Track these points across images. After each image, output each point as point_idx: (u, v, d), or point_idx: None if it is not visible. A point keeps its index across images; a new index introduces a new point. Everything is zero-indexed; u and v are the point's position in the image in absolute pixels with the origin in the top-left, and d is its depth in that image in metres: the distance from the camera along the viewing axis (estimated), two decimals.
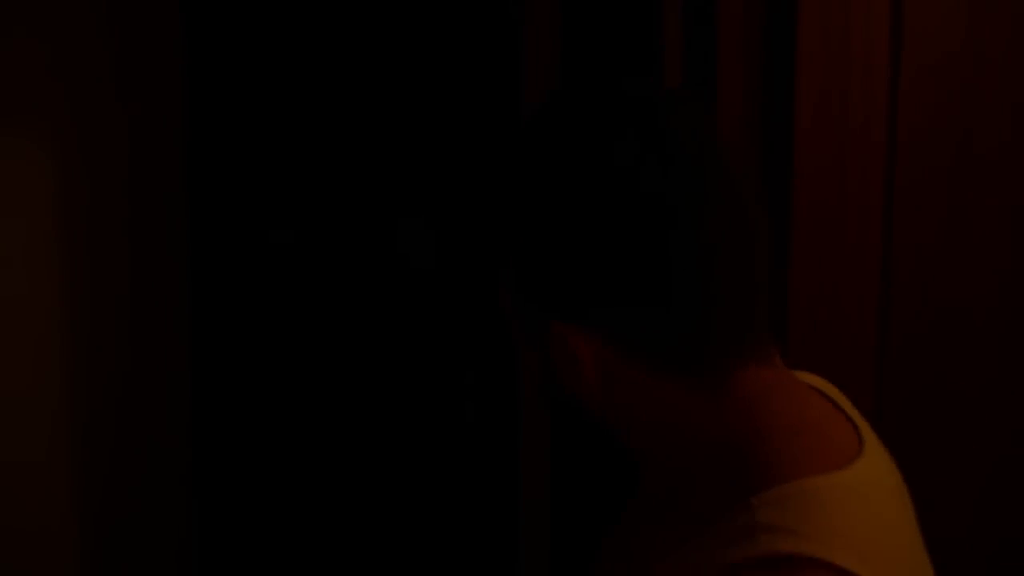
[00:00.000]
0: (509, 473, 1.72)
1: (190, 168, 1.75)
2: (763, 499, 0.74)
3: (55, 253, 1.59)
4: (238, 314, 1.77)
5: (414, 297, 1.73)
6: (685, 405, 0.79)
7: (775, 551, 0.71)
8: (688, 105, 0.80)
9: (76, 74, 1.60)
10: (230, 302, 1.77)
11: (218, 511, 1.82)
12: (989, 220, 1.33)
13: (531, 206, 0.78)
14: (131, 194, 1.70)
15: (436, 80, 1.67)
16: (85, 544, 1.67)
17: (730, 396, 0.79)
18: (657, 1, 1.30)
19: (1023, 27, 1.31)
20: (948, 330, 1.34)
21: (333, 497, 1.80)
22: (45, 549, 1.63)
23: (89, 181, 1.64)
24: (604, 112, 0.78)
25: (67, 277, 1.61)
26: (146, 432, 1.76)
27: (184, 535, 1.82)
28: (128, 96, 1.67)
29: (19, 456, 1.57)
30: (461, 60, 1.66)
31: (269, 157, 1.73)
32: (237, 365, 1.78)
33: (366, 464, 1.79)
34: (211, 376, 1.80)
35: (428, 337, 1.74)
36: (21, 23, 1.53)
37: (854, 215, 1.27)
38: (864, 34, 1.25)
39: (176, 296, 1.77)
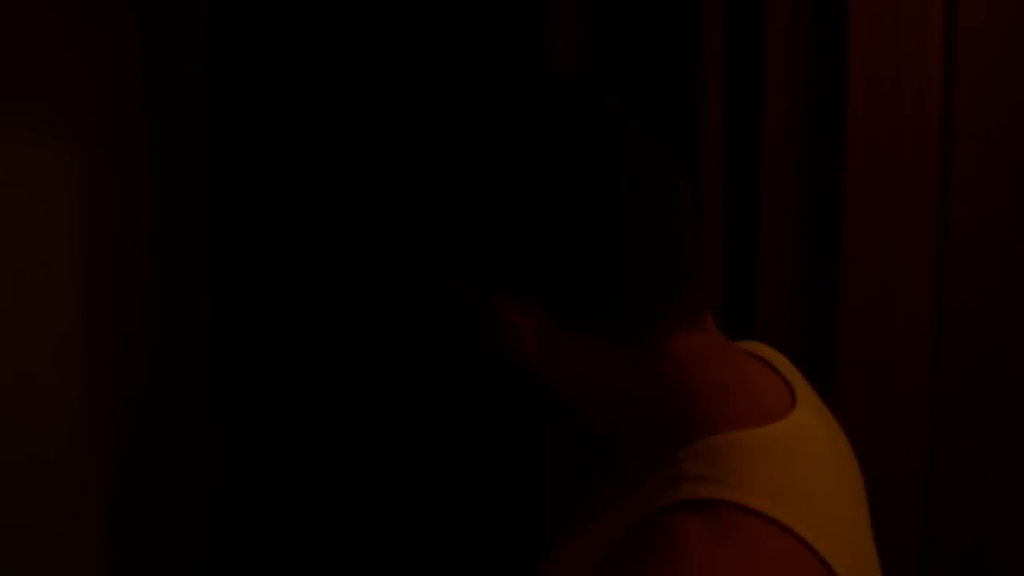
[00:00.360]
0: (535, 476, 1.70)
1: (211, 169, 1.75)
2: (689, 452, 0.79)
3: (79, 254, 1.58)
4: (258, 314, 1.77)
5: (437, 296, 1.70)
6: (619, 371, 0.84)
7: (696, 496, 0.75)
8: (612, 95, 0.85)
9: (104, 79, 1.60)
10: (251, 302, 1.77)
11: (239, 510, 1.81)
12: None
13: (468, 184, 0.83)
14: (155, 196, 1.69)
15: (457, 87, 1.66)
16: (106, 540, 1.65)
17: (661, 360, 0.83)
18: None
19: None
20: (1005, 328, 1.29)
21: (352, 498, 1.78)
22: (68, 542, 1.60)
23: (114, 182, 1.63)
24: (536, 98, 0.83)
25: (89, 277, 1.60)
26: (167, 431, 1.74)
27: (204, 535, 1.80)
28: (153, 101, 1.67)
29: (41, 454, 1.55)
30: (485, 67, 1.65)
31: (289, 159, 1.73)
32: (257, 363, 1.78)
33: (389, 463, 1.77)
34: (232, 375, 1.79)
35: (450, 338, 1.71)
36: (55, 30, 1.52)
37: (908, 213, 1.22)
38: (915, 25, 1.21)
39: (198, 296, 1.77)
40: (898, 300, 1.23)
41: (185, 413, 1.77)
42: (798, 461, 0.80)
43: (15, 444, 1.51)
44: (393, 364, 1.73)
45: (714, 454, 0.78)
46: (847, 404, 1.20)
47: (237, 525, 1.81)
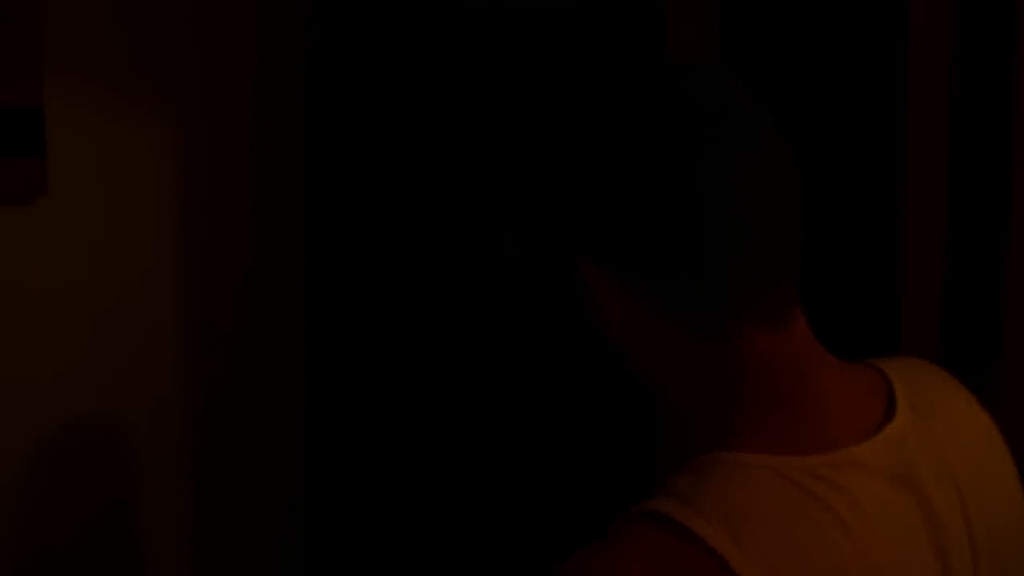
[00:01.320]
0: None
1: (309, 171, 1.74)
2: (693, 463, 0.78)
3: (176, 249, 1.56)
4: (353, 311, 1.74)
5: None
6: (691, 360, 0.81)
7: (654, 509, 0.74)
8: (726, 72, 0.82)
9: (213, 73, 1.59)
10: (347, 295, 1.74)
11: (329, 510, 1.78)
12: None
13: (567, 150, 0.82)
14: (254, 195, 1.68)
15: None
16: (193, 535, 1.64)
17: (728, 356, 0.80)
18: None
19: None
20: None
21: (454, 496, 1.73)
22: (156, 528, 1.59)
23: (213, 176, 1.61)
24: (641, 71, 0.82)
25: (185, 273, 1.58)
26: (257, 431, 1.72)
27: (292, 537, 1.78)
28: (256, 96, 1.66)
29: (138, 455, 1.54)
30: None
31: (387, 152, 1.69)
32: (352, 361, 1.75)
33: (494, 459, 1.72)
34: (327, 374, 1.76)
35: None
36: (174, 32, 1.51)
37: None
38: None
39: (295, 291, 1.75)
40: None
41: (276, 410, 1.75)
42: (783, 502, 0.75)
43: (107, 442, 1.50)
44: (486, 352, 1.68)
45: (701, 471, 0.77)
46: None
47: (332, 525, 1.78)
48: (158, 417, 1.54)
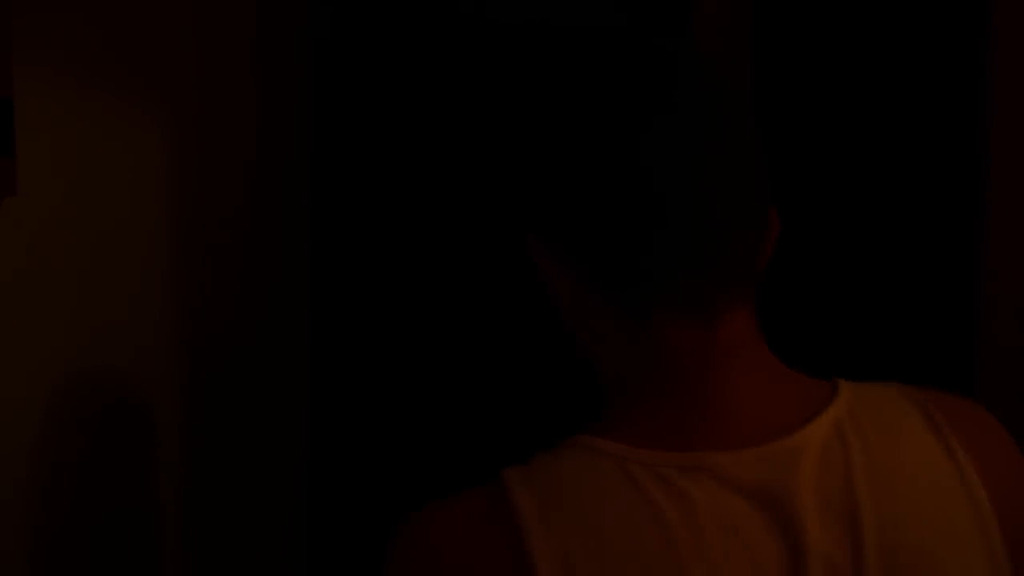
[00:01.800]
0: None
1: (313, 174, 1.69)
2: (566, 441, 0.79)
3: (169, 246, 1.46)
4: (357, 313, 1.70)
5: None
6: (614, 339, 0.82)
7: (502, 475, 0.77)
8: (684, 50, 0.82)
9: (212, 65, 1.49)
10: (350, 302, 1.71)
11: (332, 505, 1.73)
12: None
13: (516, 123, 0.86)
14: (251, 200, 1.59)
15: None
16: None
17: (642, 344, 0.80)
18: None
19: None
20: None
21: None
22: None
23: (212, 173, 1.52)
24: (594, 48, 0.82)
25: (172, 283, 1.48)
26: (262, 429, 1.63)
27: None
28: (255, 95, 1.58)
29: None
30: None
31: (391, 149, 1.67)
32: (354, 362, 1.72)
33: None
34: (329, 378, 1.72)
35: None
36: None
37: None
38: None
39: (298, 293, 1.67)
40: None
41: (278, 417, 1.67)
42: (616, 495, 0.75)
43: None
44: (488, 351, 1.65)
45: (562, 448, 0.79)
46: None
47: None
48: (141, 429, 1.44)
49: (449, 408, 1.67)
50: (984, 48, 1.32)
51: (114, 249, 1.36)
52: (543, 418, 1.57)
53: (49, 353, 1.27)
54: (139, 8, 1.36)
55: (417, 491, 1.63)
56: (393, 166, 1.65)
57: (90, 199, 1.32)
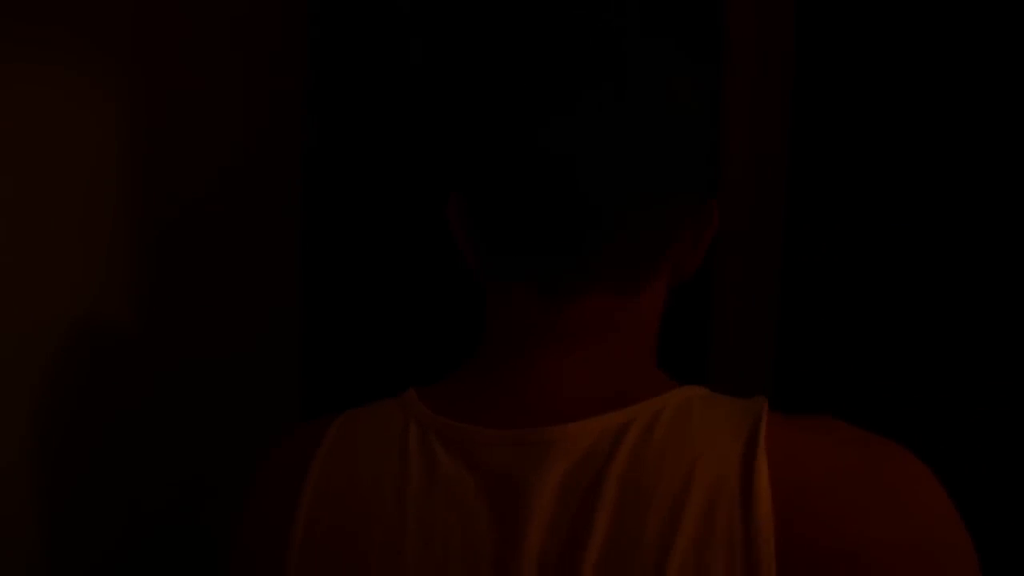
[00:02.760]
0: None
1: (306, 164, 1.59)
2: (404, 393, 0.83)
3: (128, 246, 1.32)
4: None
5: None
6: (488, 305, 0.83)
7: (347, 410, 0.84)
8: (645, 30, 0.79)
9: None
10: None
11: None
12: None
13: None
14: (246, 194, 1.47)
15: None
16: None
17: (500, 314, 0.81)
18: None
19: None
20: None
21: None
22: None
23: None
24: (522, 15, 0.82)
25: (133, 282, 1.34)
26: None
27: None
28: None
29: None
30: None
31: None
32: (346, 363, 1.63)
33: None
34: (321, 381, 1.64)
35: None
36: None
37: None
38: None
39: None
40: None
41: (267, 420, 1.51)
42: (389, 454, 0.78)
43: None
44: None
45: (396, 399, 0.82)
46: None
47: None
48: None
49: None
50: None
51: (58, 242, 1.22)
52: None
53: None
54: None
55: None
56: (395, 151, 1.56)
57: (31, 183, 1.17)
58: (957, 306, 1.32)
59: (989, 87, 1.29)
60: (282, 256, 1.60)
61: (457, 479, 0.76)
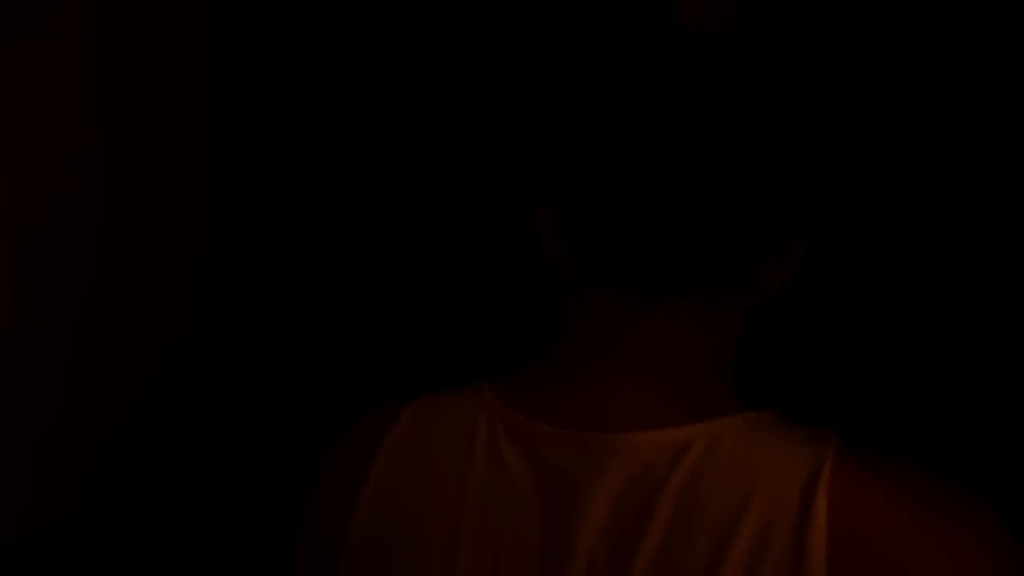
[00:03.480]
0: None
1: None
2: (476, 384, 0.86)
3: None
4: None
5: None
6: (569, 307, 0.84)
7: (406, 402, 0.87)
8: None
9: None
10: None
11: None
12: None
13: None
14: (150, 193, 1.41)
15: None
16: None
17: (574, 312, 0.82)
18: None
19: None
20: None
21: None
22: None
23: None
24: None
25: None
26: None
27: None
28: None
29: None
30: None
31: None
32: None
33: None
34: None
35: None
36: None
37: None
38: None
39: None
40: None
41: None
42: (457, 449, 0.81)
43: None
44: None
45: (473, 388, 0.85)
46: None
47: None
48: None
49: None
50: None
51: None
52: None
53: None
54: None
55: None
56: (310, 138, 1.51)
57: None
58: None
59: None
60: (189, 258, 1.53)
61: (517, 473, 0.78)
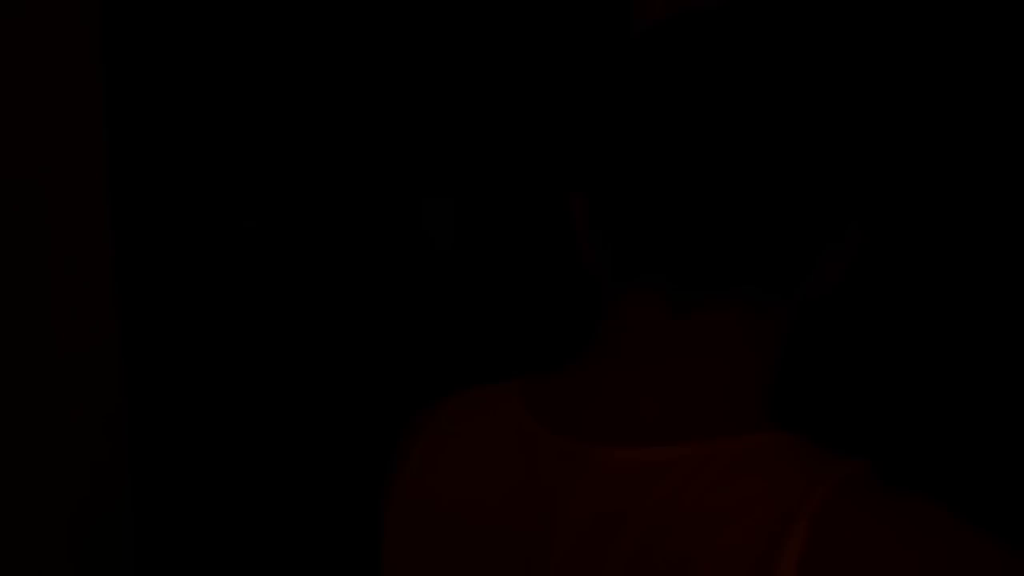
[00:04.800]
0: None
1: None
2: (509, 383, 0.86)
3: None
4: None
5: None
6: (603, 302, 0.81)
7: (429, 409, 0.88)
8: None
9: None
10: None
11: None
12: None
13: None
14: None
15: None
16: None
17: (610, 311, 0.79)
18: None
19: None
20: None
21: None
22: None
23: None
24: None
25: None
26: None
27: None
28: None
29: None
30: None
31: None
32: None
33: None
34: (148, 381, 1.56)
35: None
36: None
37: None
38: None
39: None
40: None
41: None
42: (478, 445, 0.81)
43: None
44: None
45: (520, 381, 0.84)
46: None
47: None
48: None
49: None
50: None
51: None
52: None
53: None
54: None
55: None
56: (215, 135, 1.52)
57: None
58: None
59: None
60: (90, 259, 1.48)
61: (520, 479, 0.77)
